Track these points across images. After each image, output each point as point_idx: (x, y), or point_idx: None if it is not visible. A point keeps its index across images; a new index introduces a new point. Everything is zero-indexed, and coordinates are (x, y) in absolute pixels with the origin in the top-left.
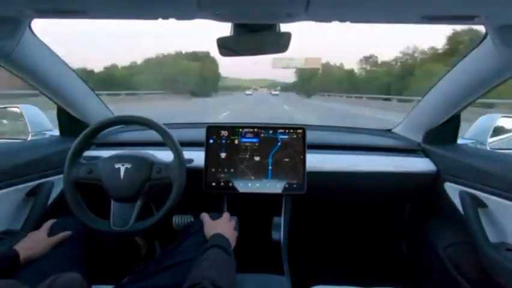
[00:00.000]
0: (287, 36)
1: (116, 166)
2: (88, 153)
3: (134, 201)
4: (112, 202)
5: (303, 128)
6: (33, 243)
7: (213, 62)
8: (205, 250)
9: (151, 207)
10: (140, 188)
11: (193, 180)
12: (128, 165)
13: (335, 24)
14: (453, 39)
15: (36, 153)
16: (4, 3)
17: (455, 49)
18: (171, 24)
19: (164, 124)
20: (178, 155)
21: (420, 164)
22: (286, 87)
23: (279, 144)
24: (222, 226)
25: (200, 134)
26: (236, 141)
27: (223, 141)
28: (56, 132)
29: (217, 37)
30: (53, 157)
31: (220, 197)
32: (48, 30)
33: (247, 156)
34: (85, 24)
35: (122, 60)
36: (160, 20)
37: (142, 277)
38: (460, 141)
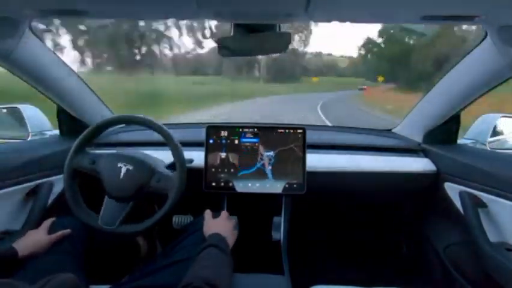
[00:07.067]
0: (287, 36)
1: (119, 165)
2: None
3: (127, 202)
4: (106, 198)
5: (303, 128)
6: (33, 242)
7: None
8: (201, 250)
9: (146, 208)
10: (136, 191)
11: (193, 180)
12: (130, 167)
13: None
14: None
15: (36, 153)
16: (4, 3)
17: None
18: None
19: (165, 124)
20: (178, 156)
21: (420, 164)
22: None
23: (279, 144)
24: (220, 225)
25: (200, 134)
26: (236, 141)
27: (223, 141)
28: (56, 132)
29: (218, 37)
30: (53, 157)
31: (220, 197)
32: None
33: (247, 156)
34: None
35: None
36: (160, 19)
37: (141, 276)
38: (460, 141)
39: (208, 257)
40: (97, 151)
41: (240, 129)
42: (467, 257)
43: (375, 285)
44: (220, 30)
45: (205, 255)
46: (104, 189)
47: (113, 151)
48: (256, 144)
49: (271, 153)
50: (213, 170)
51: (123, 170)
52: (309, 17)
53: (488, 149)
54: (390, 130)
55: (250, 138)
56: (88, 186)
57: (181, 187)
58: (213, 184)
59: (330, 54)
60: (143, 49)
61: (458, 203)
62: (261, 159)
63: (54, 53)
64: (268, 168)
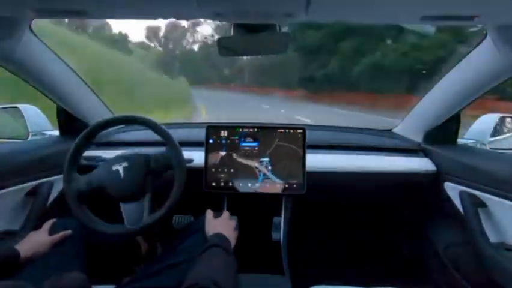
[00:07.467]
0: (287, 36)
1: (114, 168)
2: (88, 153)
3: (142, 198)
4: (122, 204)
5: (303, 128)
6: (34, 244)
7: None
8: (204, 250)
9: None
10: (143, 183)
11: (193, 180)
12: (126, 164)
13: None
14: None
15: (36, 153)
16: (4, 3)
17: None
18: None
19: (164, 124)
20: (178, 156)
21: (420, 164)
22: None
23: (279, 144)
24: (221, 225)
25: (200, 134)
26: (236, 141)
27: (223, 141)
28: (56, 132)
29: (218, 37)
30: (53, 157)
31: (220, 197)
32: None
33: (247, 156)
34: None
35: None
36: (160, 19)
37: (142, 277)
38: (460, 141)
39: (212, 257)
40: (95, 153)
41: (240, 129)
42: (467, 257)
43: (375, 285)
44: None
45: (209, 255)
46: (114, 198)
47: (112, 151)
48: (256, 144)
49: (271, 153)
50: (213, 170)
51: (120, 170)
52: (309, 17)
53: (488, 149)
54: (390, 130)
55: (250, 138)
56: (98, 201)
57: (181, 187)
58: (213, 184)
59: None
60: None
61: (458, 203)
62: (259, 171)
63: (55, 53)
64: (268, 168)
